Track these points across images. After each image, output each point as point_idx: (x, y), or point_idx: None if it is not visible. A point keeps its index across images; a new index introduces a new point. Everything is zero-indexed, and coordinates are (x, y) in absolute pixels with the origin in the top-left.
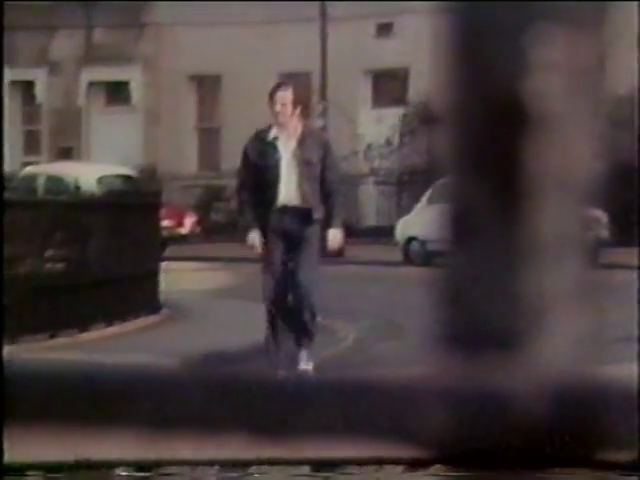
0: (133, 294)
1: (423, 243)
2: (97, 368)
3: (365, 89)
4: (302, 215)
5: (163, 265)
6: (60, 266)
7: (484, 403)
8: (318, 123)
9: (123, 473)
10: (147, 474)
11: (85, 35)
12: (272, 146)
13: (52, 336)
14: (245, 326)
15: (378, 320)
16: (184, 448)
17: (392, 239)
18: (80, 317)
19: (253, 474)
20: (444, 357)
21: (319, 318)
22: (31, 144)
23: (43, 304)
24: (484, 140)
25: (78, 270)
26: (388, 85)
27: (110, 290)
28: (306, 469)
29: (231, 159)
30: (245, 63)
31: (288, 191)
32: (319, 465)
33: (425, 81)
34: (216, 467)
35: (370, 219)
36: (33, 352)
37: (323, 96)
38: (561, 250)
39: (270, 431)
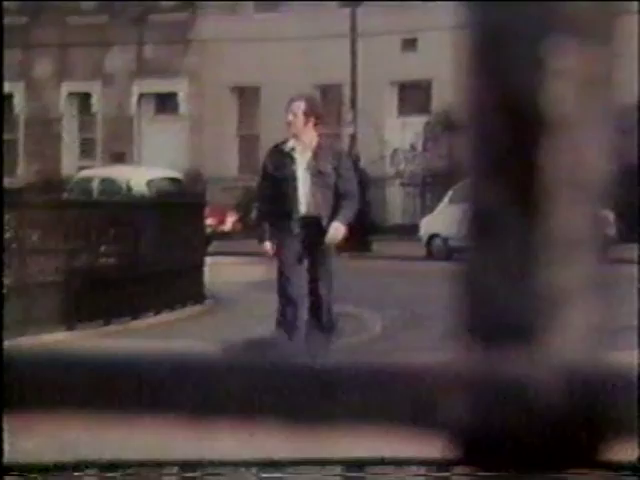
0: (180, 286)
1: (445, 240)
2: (140, 355)
3: (391, 99)
4: (315, 223)
5: (207, 259)
6: (113, 260)
7: (503, 389)
8: (348, 130)
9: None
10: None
11: (136, 50)
12: (289, 157)
13: (106, 323)
14: None
15: (404, 310)
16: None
17: (416, 236)
18: (131, 306)
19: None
20: (465, 346)
21: (334, 315)
22: (87, 150)
23: (98, 294)
24: (502, 144)
25: (130, 264)
26: (412, 95)
27: (159, 282)
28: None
29: None
30: (282, 75)
31: (306, 201)
32: (341, 464)
33: (447, 92)
34: (253, 469)
35: (396, 217)
36: (89, 338)
37: (353, 106)
38: (574, 247)
39: (303, 416)
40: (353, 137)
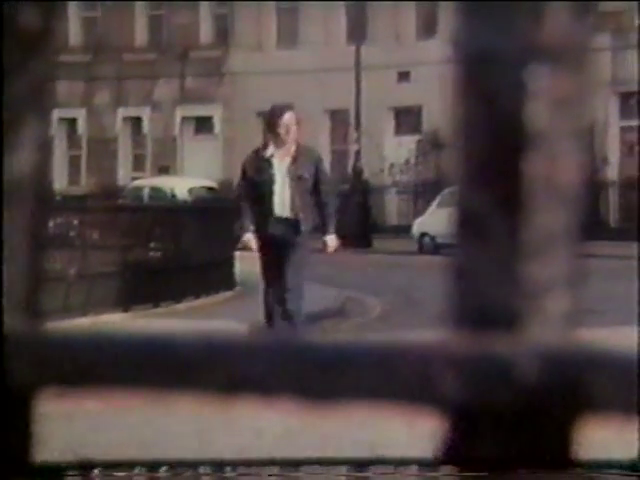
0: (214, 275)
1: (433, 238)
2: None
3: (389, 121)
4: (292, 225)
5: (237, 253)
6: (160, 254)
7: (488, 366)
8: (354, 147)
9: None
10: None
11: (179, 82)
12: (268, 163)
13: (155, 306)
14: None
15: (399, 295)
16: (249, 407)
17: (409, 234)
18: (175, 292)
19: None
20: (453, 328)
21: (301, 310)
22: (138, 163)
23: (148, 282)
24: (486, 156)
25: (173, 257)
26: (406, 118)
27: (197, 272)
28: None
29: None
30: (298, 102)
31: (281, 204)
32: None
33: (435, 115)
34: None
35: (393, 219)
36: (140, 318)
37: (357, 127)
38: (550, 244)
39: (315, 391)
40: (358, 153)
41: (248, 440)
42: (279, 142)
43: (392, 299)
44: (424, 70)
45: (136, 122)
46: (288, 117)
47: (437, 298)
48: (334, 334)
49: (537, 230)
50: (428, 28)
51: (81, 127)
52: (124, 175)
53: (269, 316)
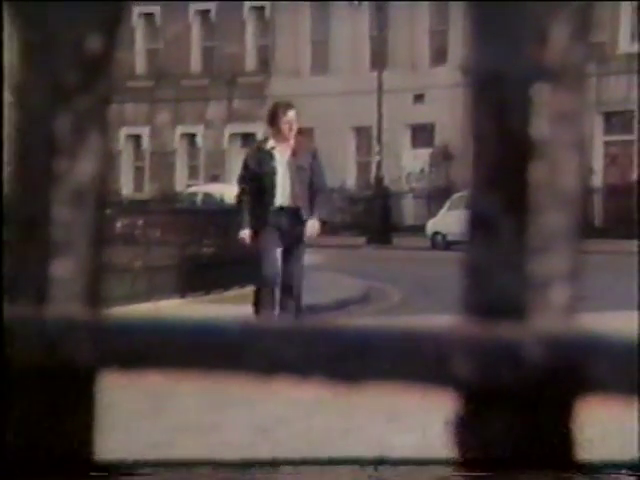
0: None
1: (444, 236)
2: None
3: (406, 136)
4: (294, 213)
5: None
6: (211, 249)
7: (497, 350)
8: (376, 158)
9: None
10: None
11: (227, 103)
12: (270, 155)
13: (206, 293)
14: (330, 289)
15: (415, 285)
16: (282, 385)
17: (424, 233)
18: (223, 282)
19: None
20: (466, 316)
21: (301, 298)
22: (193, 173)
23: (201, 273)
24: (495, 163)
25: (222, 252)
26: (421, 134)
27: (243, 265)
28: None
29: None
30: (329, 120)
31: (283, 194)
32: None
33: (445, 132)
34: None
35: (409, 220)
36: (194, 304)
37: (379, 141)
38: (552, 242)
39: (342, 370)
40: (379, 164)
41: (286, 412)
42: (282, 137)
43: (409, 288)
44: (436, 93)
45: (191, 138)
46: (291, 114)
47: (448, 287)
48: (359, 318)
49: (540, 229)
50: (439, 57)
51: (145, 142)
52: (181, 183)
53: (264, 309)
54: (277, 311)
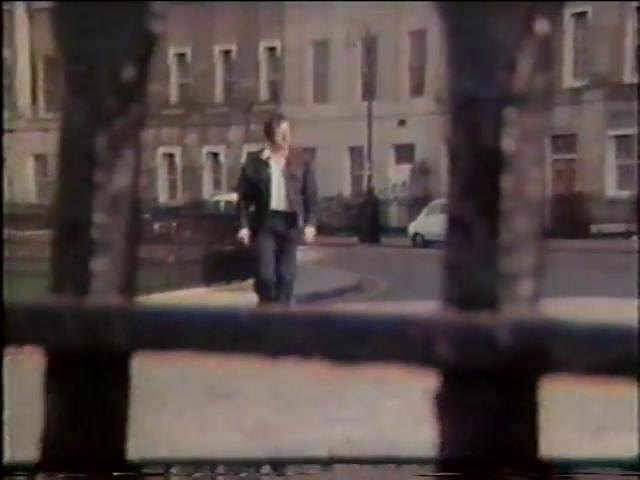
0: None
1: (422, 236)
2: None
3: (391, 155)
4: (288, 217)
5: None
6: (231, 247)
7: (474, 335)
8: (367, 172)
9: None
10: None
11: (245, 127)
12: (265, 164)
13: (228, 283)
14: (328, 280)
15: (399, 276)
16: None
17: (406, 234)
18: (241, 274)
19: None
20: (445, 306)
21: (292, 292)
22: (216, 184)
23: (223, 267)
24: (471, 175)
25: (240, 249)
26: (403, 152)
27: (256, 260)
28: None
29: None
30: (328, 141)
31: (278, 199)
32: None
33: (423, 151)
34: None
35: (394, 223)
36: (217, 292)
37: (369, 158)
38: (521, 242)
39: (341, 354)
40: (369, 176)
41: (292, 391)
42: (276, 147)
43: (395, 279)
44: (416, 119)
45: (215, 156)
46: (284, 126)
47: (427, 278)
48: (354, 304)
49: (510, 231)
50: (418, 90)
51: (177, 159)
52: (207, 192)
53: (262, 297)
54: (270, 300)
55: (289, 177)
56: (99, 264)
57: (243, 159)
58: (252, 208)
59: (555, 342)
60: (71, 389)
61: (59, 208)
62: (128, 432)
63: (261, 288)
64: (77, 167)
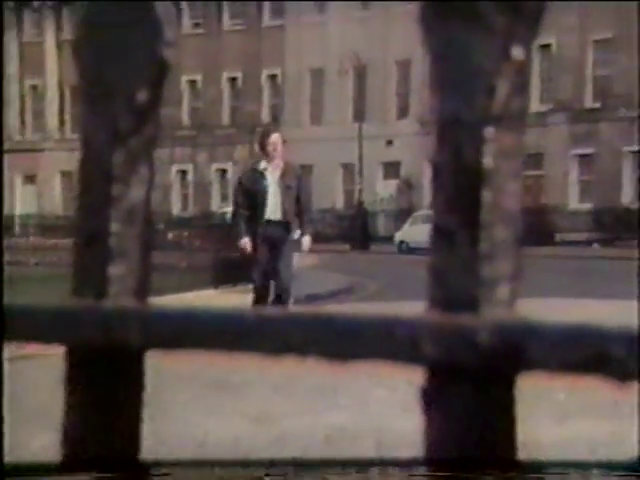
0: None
1: (407, 244)
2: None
3: (379, 171)
4: (283, 226)
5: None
6: (236, 253)
7: (457, 335)
8: (358, 187)
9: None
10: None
11: (249, 147)
12: (262, 175)
13: (234, 286)
14: (324, 283)
15: (386, 279)
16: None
17: (392, 242)
18: (246, 277)
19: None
20: (430, 307)
21: (290, 294)
22: (224, 198)
23: (230, 271)
24: (454, 189)
25: (243, 256)
26: (390, 169)
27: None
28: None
29: (317, 204)
30: (323, 159)
31: (273, 209)
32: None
33: (408, 168)
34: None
35: (382, 232)
36: (224, 293)
37: (360, 174)
38: (500, 249)
39: (335, 352)
40: (360, 191)
41: (291, 384)
42: (269, 157)
43: (382, 281)
44: (401, 139)
45: (223, 172)
46: (275, 137)
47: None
48: (346, 304)
49: (489, 240)
50: (403, 113)
51: (189, 175)
52: (215, 205)
53: (259, 300)
54: (270, 302)
55: (284, 187)
56: (115, 270)
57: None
58: (249, 217)
59: (530, 341)
60: (90, 383)
61: (80, 219)
62: (143, 419)
63: (257, 292)
64: (96, 182)
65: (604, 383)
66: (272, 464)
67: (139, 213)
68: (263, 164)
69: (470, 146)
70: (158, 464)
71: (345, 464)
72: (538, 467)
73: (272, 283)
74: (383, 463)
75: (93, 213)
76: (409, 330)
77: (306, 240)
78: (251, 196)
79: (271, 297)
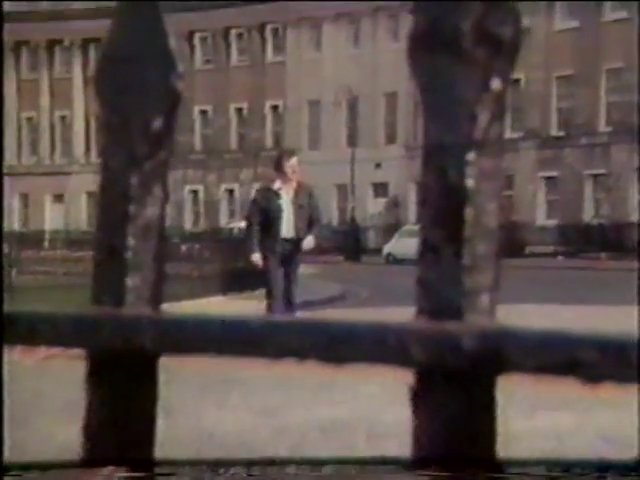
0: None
1: (394, 256)
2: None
3: (370, 191)
4: (295, 243)
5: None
6: (242, 264)
7: (442, 340)
8: (350, 205)
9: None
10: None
11: (254, 169)
12: (276, 195)
13: (240, 292)
14: (320, 290)
15: (376, 287)
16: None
17: (381, 254)
18: (251, 285)
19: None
20: (418, 315)
21: (295, 301)
22: (231, 214)
23: (236, 279)
24: (439, 206)
25: (253, 268)
26: (379, 189)
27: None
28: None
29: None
30: (320, 180)
31: (287, 227)
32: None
33: (395, 188)
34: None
35: (372, 245)
36: (232, 300)
37: (352, 194)
38: (482, 261)
39: (331, 355)
40: (352, 208)
41: (292, 384)
42: (286, 179)
43: (372, 289)
44: (389, 162)
45: (230, 192)
46: (294, 160)
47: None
48: (339, 310)
49: (471, 254)
50: (391, 139)
51: (200, 195)
52: (223, 221)
53: (272, 308)
54: (279, 307)
55: (297, 206)
56: (132, 280)
57: (252, 194)
58: (263, 234)
59: (509, 346)
60: (107, 385)
61: (100, 235)
62: (157, 418)
63: (273, 302)
64: (115, 202)
65: (575, 383)
66: (272, 462)
67: (153, 229)
68: (278, 184)
69: (454, 168)
70: (162, 463)
71: (344, 464)
72: (520, 465)
73: (282, 291)
74: (375, 462)
75: (112, 229)
76: (399, 336)
77: (309, 239)
78: (265, 214)
79: (281, 302)
